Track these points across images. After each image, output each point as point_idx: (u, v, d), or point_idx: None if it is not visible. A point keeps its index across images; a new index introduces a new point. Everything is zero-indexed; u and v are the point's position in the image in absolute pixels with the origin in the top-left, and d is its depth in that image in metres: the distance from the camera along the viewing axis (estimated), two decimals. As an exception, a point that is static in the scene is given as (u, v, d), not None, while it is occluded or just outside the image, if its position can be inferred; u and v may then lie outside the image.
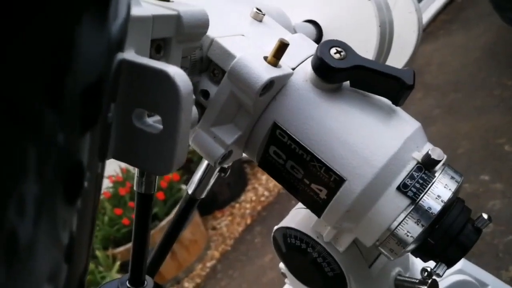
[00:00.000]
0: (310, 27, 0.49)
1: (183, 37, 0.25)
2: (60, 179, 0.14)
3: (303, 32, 0.48)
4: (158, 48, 0.24)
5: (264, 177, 3.08)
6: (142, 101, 0.21)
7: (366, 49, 0.49)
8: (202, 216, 2.91)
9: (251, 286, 2.25)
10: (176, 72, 0.20)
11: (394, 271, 0.37)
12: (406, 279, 0.36)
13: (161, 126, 0.21)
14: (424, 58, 3.54)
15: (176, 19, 0.24)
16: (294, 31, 0.42)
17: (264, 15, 0.34)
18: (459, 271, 0.43)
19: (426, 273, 0.33)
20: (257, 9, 0.34)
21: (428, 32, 3.86)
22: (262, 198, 2.94)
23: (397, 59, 0.64)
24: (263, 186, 3.03)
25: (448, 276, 0.49)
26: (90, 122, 0.15)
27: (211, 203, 2.94)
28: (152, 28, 0.23)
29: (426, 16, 3.64)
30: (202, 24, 0.26)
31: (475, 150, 2.30)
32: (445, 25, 3.80)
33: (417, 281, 0.35)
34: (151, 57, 0.23)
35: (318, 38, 0.51)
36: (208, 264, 2.58)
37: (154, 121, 0.22)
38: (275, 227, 0.40)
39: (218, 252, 2.63)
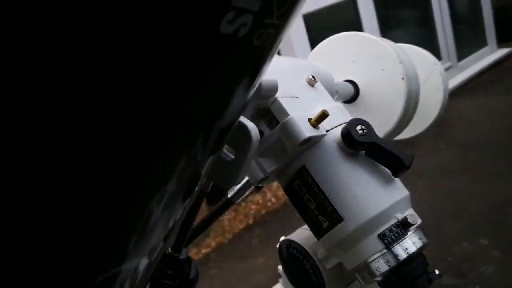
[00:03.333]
0: (350, 86, 0.60)
1: (258, 97, 0.36)
2: (187, 184, 0.25)
3: (344, 89, 0.59)
4: (241, 102, 0.35)
5: (275, 183, 3.19)
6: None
7: (392, 111, 0.60)
8: (208, 204, 3.03)
9: (238, 282, 2.36)
10: (252, 127, 0.31)
11: (364, 295, 0.48)
12: (371, 303, 0.47)
13: (232, 156, 0.32)
14: (458, 113, 3.61)
15: (258, 85, 0.35)
16: (336, 91, 0.53)
17: (316, 82, 0.45)
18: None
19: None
20: (312, 76, 0.45)
21: (469, 87, 3.92)
22: (269, 204, 3.05)
23: (420, 123, 0.74)
24: (272, 192, 3.14)
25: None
26: (214, 151, 0.26)
27: (219, 195, 3.06)
28: (241, 90, 0.34)
29: (470, 72, 3.70)
30: (273, 90, 0.37)
31: (482, 213, 2.37)
32: (487, 85, 3.86)
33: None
34: (235, 107, 0.35)
35: (355, 95, 0.62)
36: (203, 251, 2.70)
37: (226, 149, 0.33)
38: (283, 238, 0.51)
39: (215, 242, 2.76)
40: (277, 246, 0.51)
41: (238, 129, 0.31)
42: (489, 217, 2.33)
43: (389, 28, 3.95)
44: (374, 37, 0.59)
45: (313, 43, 3.21)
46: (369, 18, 3.66)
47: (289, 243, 0.48)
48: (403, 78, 0.57)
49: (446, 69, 4.04)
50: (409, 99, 0.58)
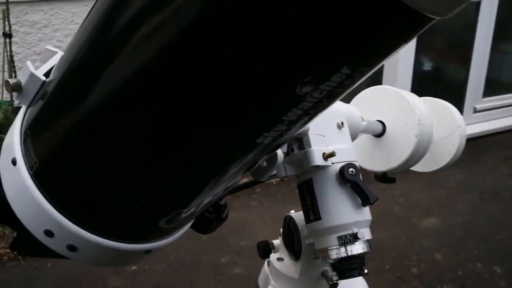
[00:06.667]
0: (380, 125, 0.82)
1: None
2: (250, 164, 0.47)
3: (373, 126, 0.81)
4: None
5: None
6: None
7: (401, 154, 0.81)
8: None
9: (270, 219, 2.67)
10: (280, 155, 0.55)
11: (325, 268, 0.73)
12: (327, 273, 0.72)
13: (265, 164, 0.57)
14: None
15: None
16: (360, 132, 0.75)
17: (343, 126, 0.68)
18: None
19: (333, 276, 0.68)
20: (341, 122, 0.67)
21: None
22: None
23: (432, 165, 0.94)
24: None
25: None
26: (269, 153, 0.50)
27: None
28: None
29: None
30: (304, 133, 0.60)
31: (510, 245, 2.48)
32: None
33: (329, 277, 0.71)
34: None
35: (382, 133, 0.83)
36: (252, 183, 3.02)
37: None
38: (293, 214, 0.75)
39: (264, 180, 3.06)
40: (284, 217, 0.76)
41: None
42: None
43: (503, 38, 3.86)
44: (409, 98, 0.79)
45: (419, 36, 3.25)
46: (487, 24, 3.61)
47: (290, 218, 0.73)
48: (416, 136, 0.78)
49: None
50: (415, 151, 0.79)
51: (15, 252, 0.63)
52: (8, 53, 2.94)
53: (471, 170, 3.18)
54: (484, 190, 3.01)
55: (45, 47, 0.52)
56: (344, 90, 0.39)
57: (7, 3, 2.87)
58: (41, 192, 0.48)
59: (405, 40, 0.35)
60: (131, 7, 0.35)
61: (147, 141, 0.41)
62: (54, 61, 0.50)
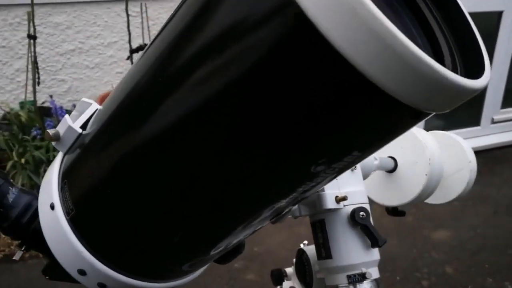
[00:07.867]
0: (392, 161, 0.85)
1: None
2: (281, 210, 0.52)
3: (385, 163, 0.84)
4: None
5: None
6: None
7: (412, 190, 0.84)
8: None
9: (283, 226, 2.70)
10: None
11: (334, 299, 0.77)
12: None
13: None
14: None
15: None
16: (371, 172, 0.79)
17: (356, 168, 0.71)
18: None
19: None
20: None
21: None
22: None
23: (443, 198, 0.96)
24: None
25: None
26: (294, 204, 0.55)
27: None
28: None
29: None
30: None
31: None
32: None
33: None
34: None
35: (394, 169, 0.86)
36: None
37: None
38: (305, 247, 0.79)
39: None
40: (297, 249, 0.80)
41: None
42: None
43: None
44: (420, 137, 0.82)
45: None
46: (508, 34, 3.59)
47: (303, 251, 0.77)
48: (426, 175, 0.81)
49: None
50: (425, 189, 0.82)
51: (47, 277, 0.68)
52: (32, 54, 3.02)
53: (486, 181, 3.18)
54: (499, 202, 3.01)
55: (81, 99, 0.57)
56: (354, 166, 0.43)
57: (32, 5, 2.94)
58: (77, 236, 0.53)
59: (409, 128, 0.39)
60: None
61: (183, 193, 0.45)
62: (90, 112, 0.55)
